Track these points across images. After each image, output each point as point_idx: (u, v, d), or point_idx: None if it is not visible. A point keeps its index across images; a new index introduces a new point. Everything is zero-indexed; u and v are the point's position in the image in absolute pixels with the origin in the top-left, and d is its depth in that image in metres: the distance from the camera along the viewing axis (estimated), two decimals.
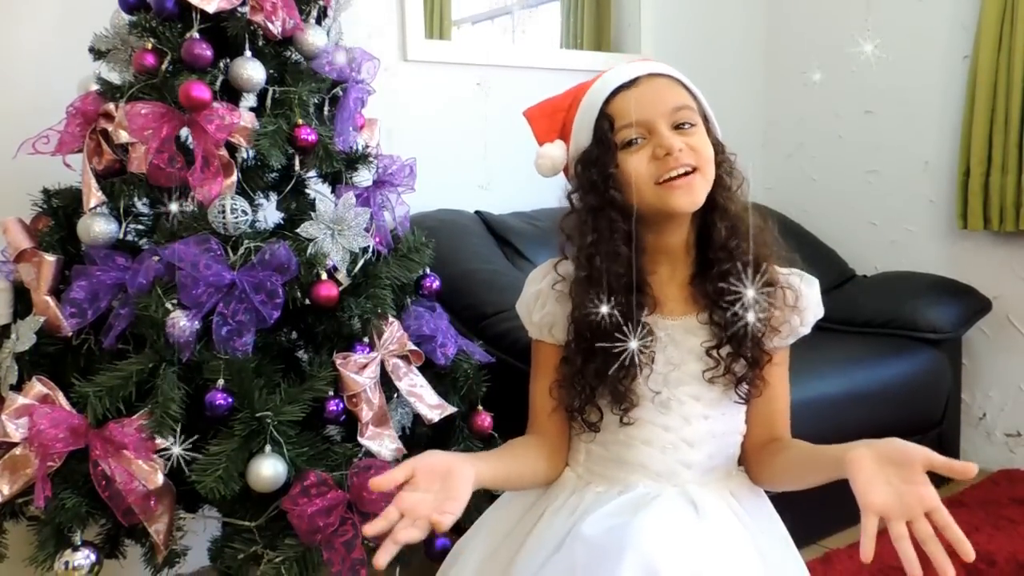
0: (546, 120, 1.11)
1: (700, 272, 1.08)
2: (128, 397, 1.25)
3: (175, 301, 1.26)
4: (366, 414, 1.36)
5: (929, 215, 2.74)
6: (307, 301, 1.34)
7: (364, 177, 1.48)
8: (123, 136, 1.33)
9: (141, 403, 1.25)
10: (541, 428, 1.14)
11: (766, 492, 1.15)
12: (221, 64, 1.39)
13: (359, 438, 1.35)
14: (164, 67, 1.36)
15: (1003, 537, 2.06)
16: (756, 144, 3.11)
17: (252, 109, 1.42)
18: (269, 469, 1.24)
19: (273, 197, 1.46)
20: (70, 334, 1.35)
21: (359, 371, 1.35)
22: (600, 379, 1.04)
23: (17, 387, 1.31)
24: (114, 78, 1.46)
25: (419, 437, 1.51)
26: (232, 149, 1.37)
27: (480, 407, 1.53)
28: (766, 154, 3.11)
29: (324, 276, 1.34)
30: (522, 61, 2.55)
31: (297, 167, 1.42)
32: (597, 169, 1.04)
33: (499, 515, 1.18)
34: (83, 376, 1.28)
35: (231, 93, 1.40)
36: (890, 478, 0.88)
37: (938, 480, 0.88)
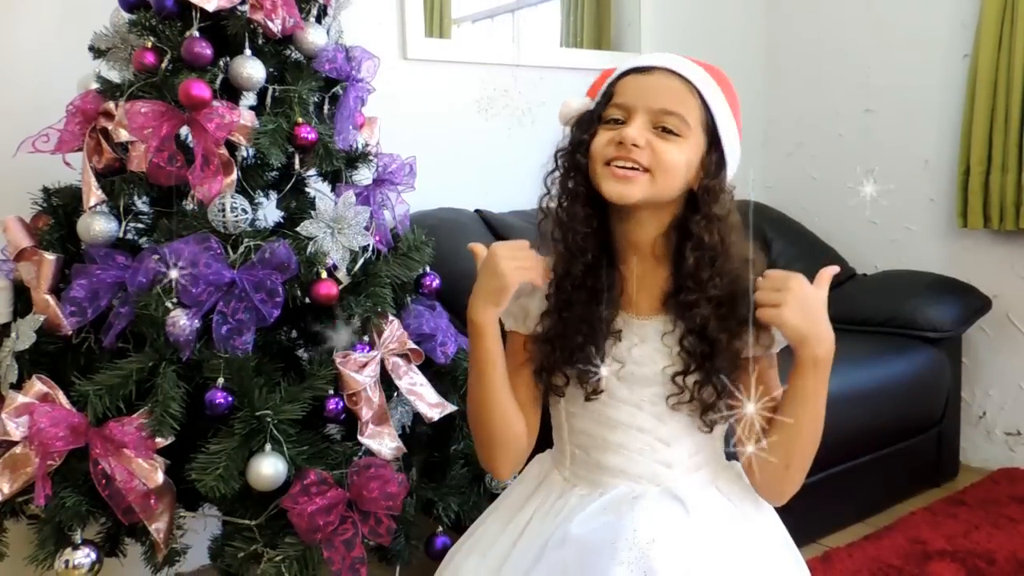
0: (601, 79, 1.13)
1: (674, 291, 1.07)
2: (128, 396, 1.25)
3: (175, 300, 1.26)
4: (366, 413, 1.36)
5: (929, 214, 2.74)
6: (307, 300, 1.34)
7: (364, 175, 1.48)
8: (123, 135, 1.33)
9: (141, 402, 1.25)
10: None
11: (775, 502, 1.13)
12: (221, 63, 1.39)
13: (359, 437, 1.35)
14: (164, 66, 1.36)
15: (1003, 535, 2.06)
16: (756, 143, 3.11)
17: (252, 108, 1.42)
18: (269, 468, 1.24)
19: (273, 196, 1.46)
20: (70, 333, 1.35)
21: (359, 370, 1.35)
22: (569, 339, 1.07)
23: (17, 386, 1.31)
24: (114, 77, 1.46)
25: (419, 436, 1.51)
26: (232, 147, 1.37)
27: None
28: (766, 152, 3.12)
29: (324, 275, 1.34)
30: (522, 60, 2.55)
31: (297, 165, 1.42)
32: (578, 132, 1.08)
33: (493, 516, 1.18)
34: (83, 375, 1.29)
35: (231, 92, 1.40)
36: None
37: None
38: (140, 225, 1.45)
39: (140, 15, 1.39)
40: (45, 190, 1.46)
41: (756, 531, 1.08)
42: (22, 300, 1.42)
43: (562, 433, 1.15)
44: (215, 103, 1.33)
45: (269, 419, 1.26)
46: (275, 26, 1.39)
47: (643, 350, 1.08)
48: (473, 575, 1.10)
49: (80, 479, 1.26)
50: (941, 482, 2.44)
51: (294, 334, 1.47)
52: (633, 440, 1.08)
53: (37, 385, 1.28)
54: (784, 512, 1.15)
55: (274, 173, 1.44)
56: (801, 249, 2.77)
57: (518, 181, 2.26)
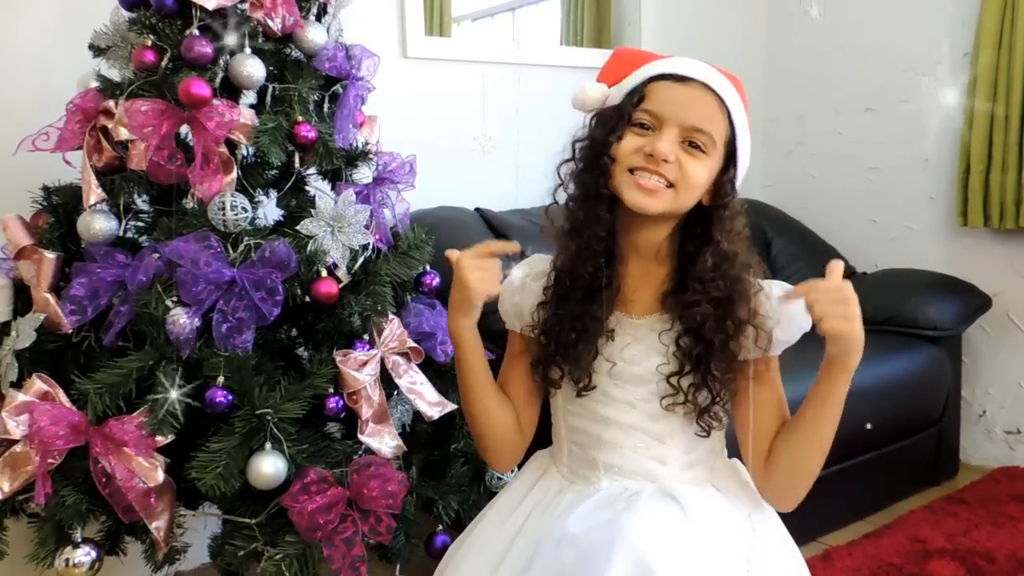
0: (619, 65, 1.11)
1: (675, 291, 1.07)
2: (128, 394, 1.25)
3: (175, 298, 1.26)
4: (366, 411, 1.36)
5: (929, 212, 2.74)
6: (307, 298, 1.34)
7: (364, 174, 1.48)
8: (123, 133, 1.33)
9: (141, 400, 1.25)
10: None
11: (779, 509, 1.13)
12: (221, 61, 1.39)
13: (359, 435, 1.35)
14: (164, 64, 1.36)
15: (1003, 534, 2.06)
16: (756, 142, 3.07)
17: (252, 106, 1.42)
18: (269, 466, 1.24)
19: (273, 194, 1.46)
20: (70, 331, 1.35)
21: (359, 368, 1.35)
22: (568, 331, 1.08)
23: (17, 384, 1.31)
24: (114, 75, 1.46)
25: (419, 434, 1.51)
26: (232, 146, 1.37)
27: None
28: (766, 151, 3.11)
29: (324, 273, 1.34)
30: (522, 58, 2.54)
31: (297, 164, 1.42)
32: (603, 130, 1.06)
33: (492, 513, 1.18)
34: (83, 373, 1.28)
35: (231, 90, 1.40)
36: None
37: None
38: (140, 223, 1.45)
39: (140, 13, 1.38)
40: (45, 188, 1.46)
41: (755, 530, 1.08)
42: (22, 298, 1.42)
43: (559, 430, 1.16)
44: (215, 101, 1.32)
45: (269, 417, 1.26)
46: (275, 24, 1.39)
47: (636, 349, 1.08)
48: (472, 573, 1.10)
49: (80, 478, 1.26)
50: (941, 480, 2.44)
51: (294, 332, 1.47)
52: (627, 437, 1.08)
53: (37, 383, 1.28)
54: None
55: (274, 171, 1.44)
56: (801, 248, 2.77)
57: (518, 180, 2.26)
